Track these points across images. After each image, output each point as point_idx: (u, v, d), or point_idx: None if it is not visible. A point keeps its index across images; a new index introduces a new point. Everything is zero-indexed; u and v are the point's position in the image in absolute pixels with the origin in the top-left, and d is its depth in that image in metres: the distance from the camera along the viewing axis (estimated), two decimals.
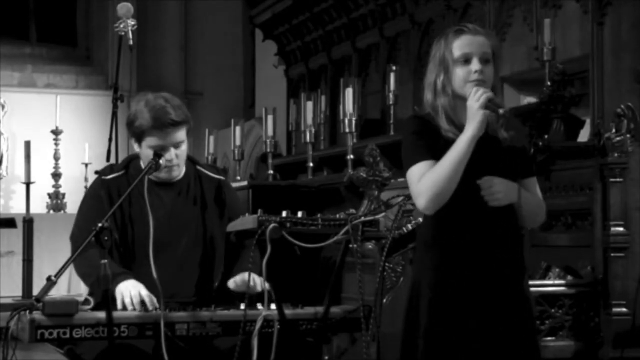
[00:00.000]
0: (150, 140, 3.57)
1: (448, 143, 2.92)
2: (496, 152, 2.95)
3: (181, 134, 3.61)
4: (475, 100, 2.88)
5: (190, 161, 3.76)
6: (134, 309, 3.33)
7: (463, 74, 2.97)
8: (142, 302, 3.35)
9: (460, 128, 2.93)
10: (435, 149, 2.93)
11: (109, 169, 3.73)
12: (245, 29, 12.78)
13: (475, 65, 2.96)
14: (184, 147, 3.64)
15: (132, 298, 3.36)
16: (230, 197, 3.75)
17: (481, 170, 2.92)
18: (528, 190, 3.04)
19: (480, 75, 2.94)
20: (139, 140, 3.61)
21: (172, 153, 3.59)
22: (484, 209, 2.93)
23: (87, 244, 3.20)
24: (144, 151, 3.61)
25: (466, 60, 2.97)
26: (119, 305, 3.36)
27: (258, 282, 3.42)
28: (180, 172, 3.67)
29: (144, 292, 3.38)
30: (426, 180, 2.89)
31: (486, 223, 2.93)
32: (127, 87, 10.98)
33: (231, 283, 3.55)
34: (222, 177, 3.78)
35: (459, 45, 2.98)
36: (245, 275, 3.48)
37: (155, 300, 3.33)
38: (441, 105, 2.99)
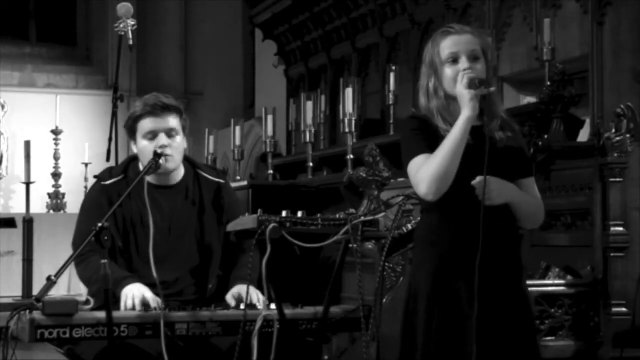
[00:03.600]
0: (142, 126, 3.59)
1: None
2: (492, 152, 2.95)
3: (173, 121, 3.61)
4: (460, 83, 2.92)
5: (190, 164, 3.75)
6: (134, 309, 3.33)
7: (452, 74, 2.98)
8: (146, 304, 3.34)
9: None
10: (435, 145, 2.94)
11: (108, 173, 3.71)
12: (245, 29, 12.78)
13: (463, 64, 2.98)
14: (178, 139, 3.63)
15: (134, 300, 3.36)
16: (229, 201, 3.74)
17: (478, 171, 2.92)
18: (526, 191, 3.04)
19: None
20: (134, 134, 3.62)
21: (163, 138, 3.58)
22: (480, 209, 2.93)
23: (90, 249, 3.20)
24: (140, 145, 3.61)
25: (454, 60, 2.99)
26: (122, 308, 3.36)
27: (255, 299, 3.43)
28: (175, 165, 3.64)
29: (149, 295, 3.38)
30: (426, 167, 2.91)
31: (483, 223, 2.93)
32: (127, 87, 11.00)
33: (229, 299, 3.54)
34: (221, 181, 3.76)
35: (446, 46, 3.01)
36: (241, 288, 3.50)
37: (160, 302, 3.33)
38: (435, 108, 3.02)
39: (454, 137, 2.89)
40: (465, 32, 3.02)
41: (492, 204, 2.92)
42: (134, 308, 3.34)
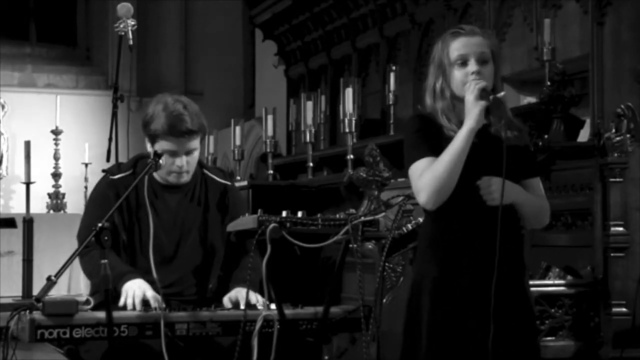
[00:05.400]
0: (163, 145, 3.56)
1: (450, 141, 2.92)
2: (498, 152, 2.94)
3: (195, 143, 3.60)
4: (470, 92, 2.89)
5: (198, 164, 3.74)
6: (134, 309, 3.33)
7: (461, 76, 2.96)
8: (146, 302, 3.35)
9: None
10: (438, 147, 2.93)
11: (117, 168, 3.72)
12: (245, 29, 12.77)
13: (472, 66, 2.96)
14: (195, 155, 3.63)
15: (134, 298, 3.36)
16: (233, 202, 3.74)
17: (483, 170, 2.92)
18: (532, 191, 3.03)
19: (477, 76, 2.94)
20: (152, 142, 3.60)
21: (183, 160, 3.58)
22: (484, 209, 2.93)
23: (90, 244, 3.20)
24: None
25: (463, 62, 2.97)
26: (121, 303, 3.36)
27: (253, 300, 3.42)
28: (188, 178, 3.66)
29: (150, 294, 3.38)
30: (427, 176, 2.90)
31: (486, 222, 2.93)
32: (127, 87, 10.98)
33: (226, 301, 3.54)
34: (228, 183, 3.77)
35: (456, 48, 2.98)
36: (239, 291, 3.50)
37: (160, 299, 3.32)
38: (440, 109, 3.00)
39: (456, 148, 2.88)
40: (475, 34, 2.99)
41: (496, 204, 2.92)
42: (134, 308, 3.34)
